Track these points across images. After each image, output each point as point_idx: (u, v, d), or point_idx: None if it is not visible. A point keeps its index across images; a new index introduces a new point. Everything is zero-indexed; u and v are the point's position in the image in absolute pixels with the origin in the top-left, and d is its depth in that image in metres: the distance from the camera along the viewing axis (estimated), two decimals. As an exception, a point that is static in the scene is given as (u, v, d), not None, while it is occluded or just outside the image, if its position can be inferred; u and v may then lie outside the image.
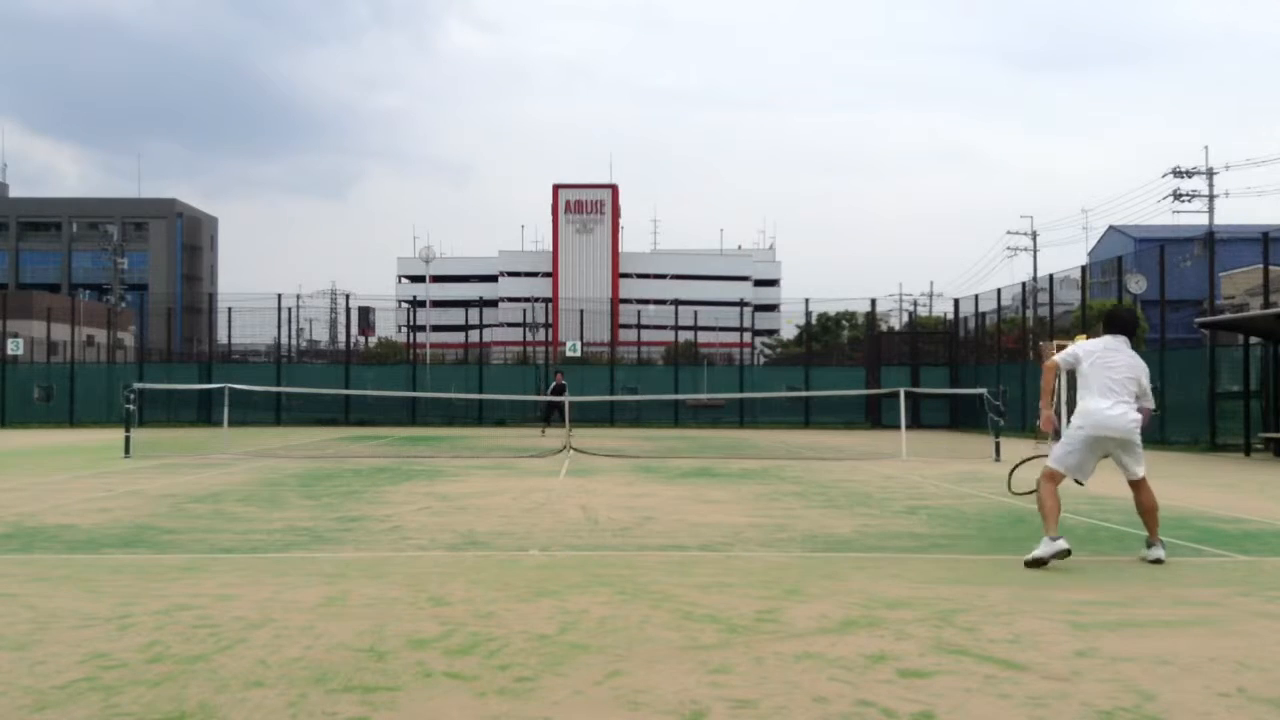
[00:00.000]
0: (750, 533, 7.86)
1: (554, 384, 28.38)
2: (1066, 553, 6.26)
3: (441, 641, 4.31)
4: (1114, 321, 6.89)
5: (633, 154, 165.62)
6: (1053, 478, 6.59)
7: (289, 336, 40.15)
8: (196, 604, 5.06)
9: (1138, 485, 6.66)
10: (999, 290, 32.65)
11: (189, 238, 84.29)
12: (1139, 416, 6.53)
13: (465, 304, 49.43)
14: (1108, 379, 6.52)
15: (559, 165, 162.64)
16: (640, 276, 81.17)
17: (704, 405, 34.83)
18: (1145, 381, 6.64)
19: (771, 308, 75.86)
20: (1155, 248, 25.14)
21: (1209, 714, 3.39)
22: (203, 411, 32.81)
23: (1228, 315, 23.21)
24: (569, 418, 21.09)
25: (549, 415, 27.90)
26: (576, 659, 4.04)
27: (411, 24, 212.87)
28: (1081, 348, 6.81)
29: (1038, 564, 6.24)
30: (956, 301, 36.44)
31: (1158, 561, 6.44)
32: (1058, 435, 7.04)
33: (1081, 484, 6.80)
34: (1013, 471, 8.10)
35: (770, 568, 6.29)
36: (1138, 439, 6.54)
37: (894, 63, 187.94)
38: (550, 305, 53.50)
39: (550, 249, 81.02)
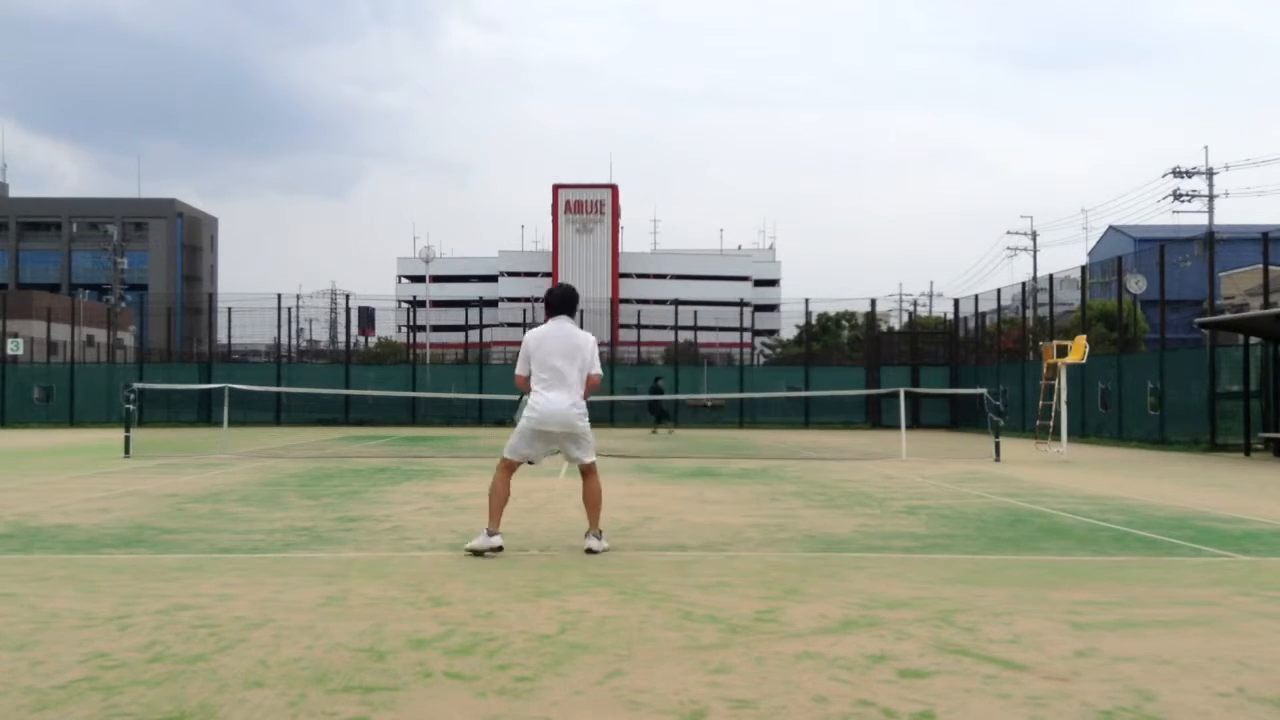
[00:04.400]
0: (750, 533, 7.86)
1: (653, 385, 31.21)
2: (499, 549, 6.55)
3: (441, 641, 4.31)
4: (550, 304, 7.00)
5: (633, 154, 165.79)
6: (508, 467, 6.82)
7: (289, 336, 40.22)
8: (196, 604, 5.05)
9: (585, 472, 6.86)
10: (999, 290, 32.68)
11: (189, 238, 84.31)
12: (582, 406, 6.73)
13: (465, 304, 49.37)
14: (550, 368, 6.70)
15: (559, 165, 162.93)
16: (640, 276, 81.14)
17: (704, 405, 34.85)
18: (588, 354, 6.81)
19: (771, 308, 75.80)
20: (1155, 248, 25.15)
21: (1209, 714, 3.39)
22: (203, 411, 32.83)
23: (1228, 315, 23.19)
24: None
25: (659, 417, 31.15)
26: (576, 659, 4.04)
27: (412, 23, 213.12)
28: (530, 339, 6.89)
29: (475, 554, 6.49)
30: (956, 301, 36.50)
31: (590, 551, 6.66)
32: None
33: (532, 464, 7.06)
34: None
35: (770, 568, 6.29)
36: (582, 426, 6.75)
37: (893, 62, 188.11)
38: (550, 305, 53.37)
39: (550, 249, 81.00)
